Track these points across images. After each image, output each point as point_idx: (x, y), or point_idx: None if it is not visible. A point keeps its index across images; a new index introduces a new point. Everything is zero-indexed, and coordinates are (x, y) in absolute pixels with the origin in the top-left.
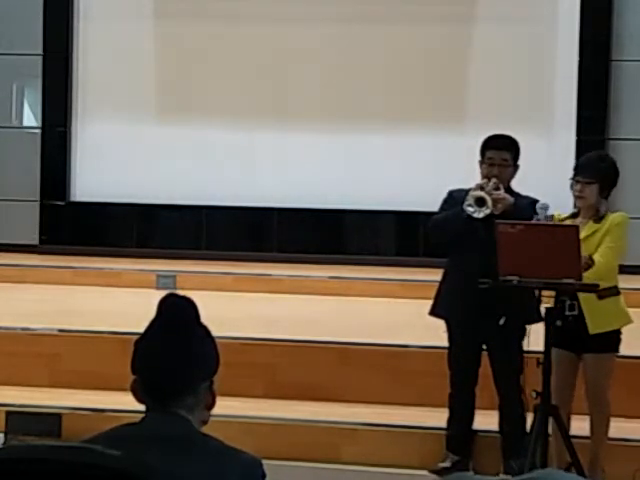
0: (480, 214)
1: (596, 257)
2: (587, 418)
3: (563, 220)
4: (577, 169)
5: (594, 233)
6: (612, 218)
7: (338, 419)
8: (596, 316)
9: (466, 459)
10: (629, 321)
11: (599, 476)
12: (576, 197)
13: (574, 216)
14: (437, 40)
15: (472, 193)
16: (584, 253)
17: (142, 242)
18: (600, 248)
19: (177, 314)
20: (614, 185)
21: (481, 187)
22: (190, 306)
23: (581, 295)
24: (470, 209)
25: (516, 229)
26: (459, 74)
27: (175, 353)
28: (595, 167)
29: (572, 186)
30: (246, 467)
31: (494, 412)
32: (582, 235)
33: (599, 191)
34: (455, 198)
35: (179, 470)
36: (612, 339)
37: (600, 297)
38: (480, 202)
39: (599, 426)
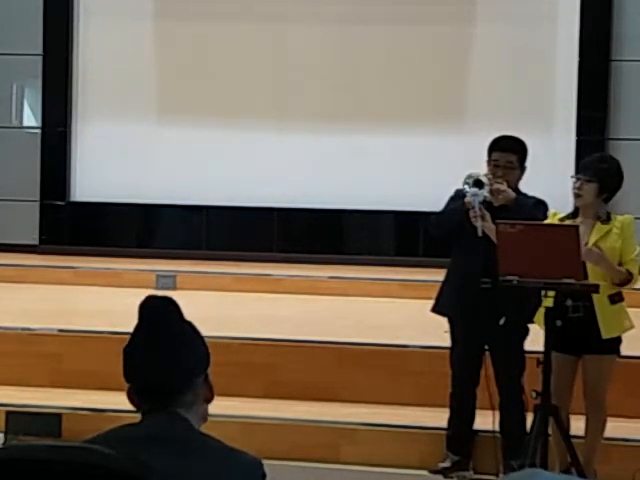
0: (471, 189)
1: (629, 268)
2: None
3: (562, 220)
4: (579, 168)
5: (607, 234)
6: (623, 220)
7: (338, 419)
8: (608, 320)
9: (466, 459)
10: (632, 326)
11: (591, 476)
12: (574, 195)
13: (573, 216)
14: (437, 40)
15: (472, 173)
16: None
17: (142, 242)
18: (627, 256)
19: (158, 315)
20: (617, 188)
21: (485, 175)
22: (171, 305)
23: (595, 300)
24: (466, 187)
25: (516, 229)
26: (459, 74)
27: (163, 354)
28: (595, 167)
29: (574, 184)
30: (246, 468)
31: (494, 412)
32: (594, 237)
33: (598, 191)
34: (461, 197)
35: (178, 471)
36: (614, 341)
37: (613, 302)
38: (478, 183)
39: (595, 428)
